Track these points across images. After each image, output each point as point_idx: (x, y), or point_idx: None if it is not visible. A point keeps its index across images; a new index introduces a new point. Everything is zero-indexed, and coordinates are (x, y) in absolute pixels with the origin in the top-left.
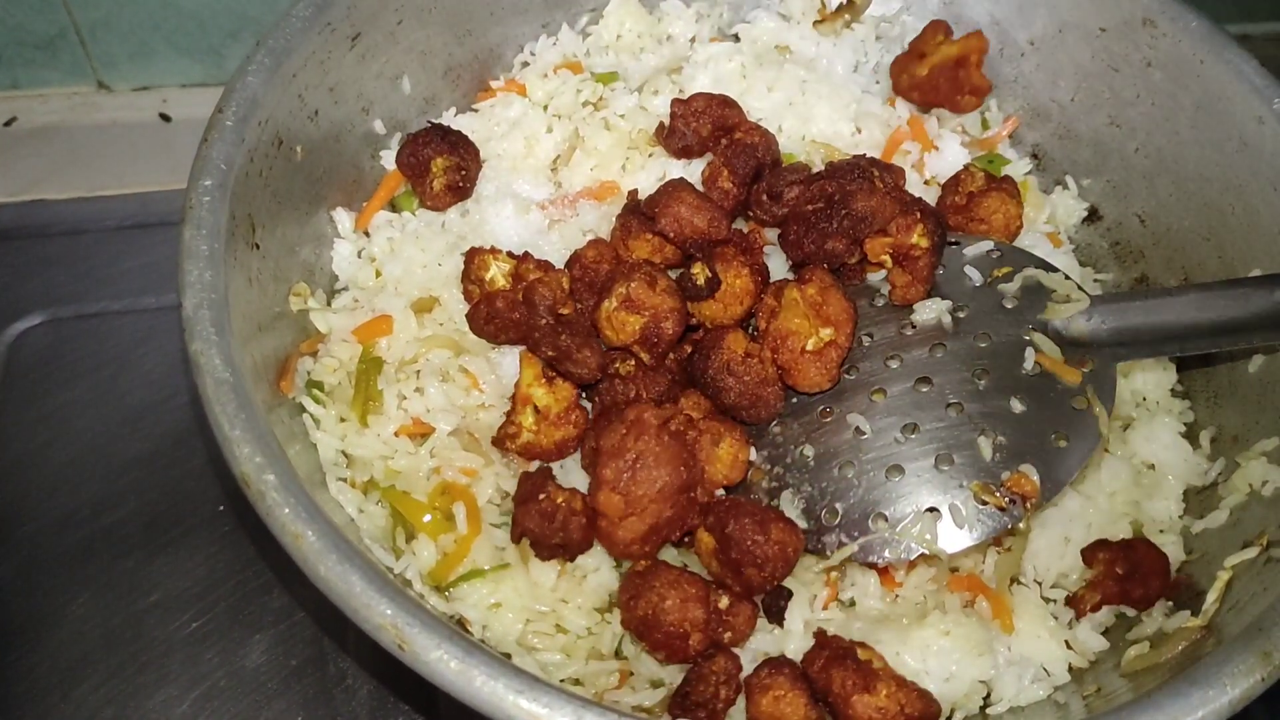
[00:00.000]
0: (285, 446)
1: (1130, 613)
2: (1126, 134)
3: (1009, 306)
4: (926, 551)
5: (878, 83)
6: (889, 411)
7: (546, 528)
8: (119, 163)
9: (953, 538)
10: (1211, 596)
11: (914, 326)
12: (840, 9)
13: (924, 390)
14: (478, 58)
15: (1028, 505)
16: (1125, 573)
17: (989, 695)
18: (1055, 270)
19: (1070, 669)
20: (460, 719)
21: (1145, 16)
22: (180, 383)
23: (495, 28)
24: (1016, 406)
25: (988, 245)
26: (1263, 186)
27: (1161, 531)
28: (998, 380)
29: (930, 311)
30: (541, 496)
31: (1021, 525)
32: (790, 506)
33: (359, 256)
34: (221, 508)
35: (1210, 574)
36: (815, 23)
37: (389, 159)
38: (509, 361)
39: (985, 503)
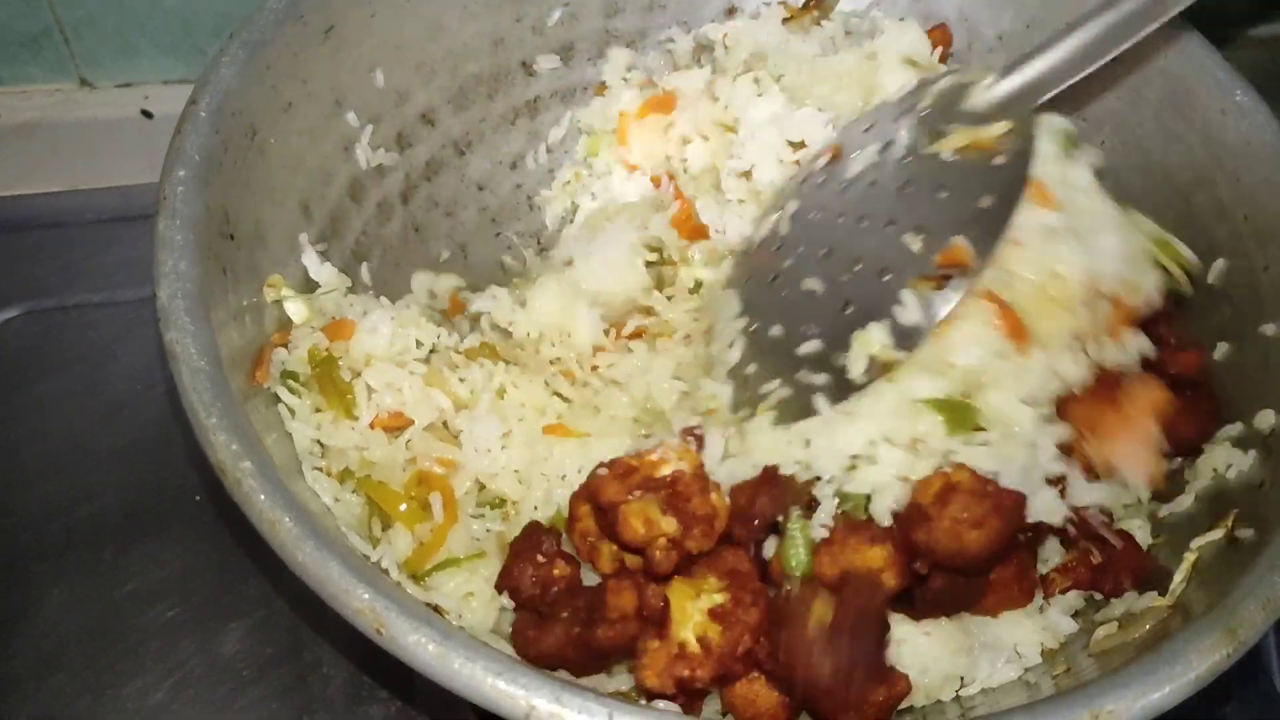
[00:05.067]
0: (261, 435)
1: (1099, 596)
2: (1094, 127)
3: (923, 114)
4: (888, 358)
5: None
6: (837, 262)
7: (536, 596)
8: (101, 158)
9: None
10: (1178, 577)
11: (847, 180)
12: (808, 6)
13: (864, 225)
14: (451, 52)
15: (967, 273)
16: (1100, 563)
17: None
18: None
19: (1041, 650)
20: (435, 703)
21: None
22: (159, 375)
23: (468, 21)
24: (942, 195)
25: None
26: (1226, 178)
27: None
28: (923, 184)
29: (859, 163)
30: (540, 559)
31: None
32: (772, 398)
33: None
34: (199, 498)
35: (1177, 556)
36: (784, 20)
37: (361, 153)
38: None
39: (925, 291)
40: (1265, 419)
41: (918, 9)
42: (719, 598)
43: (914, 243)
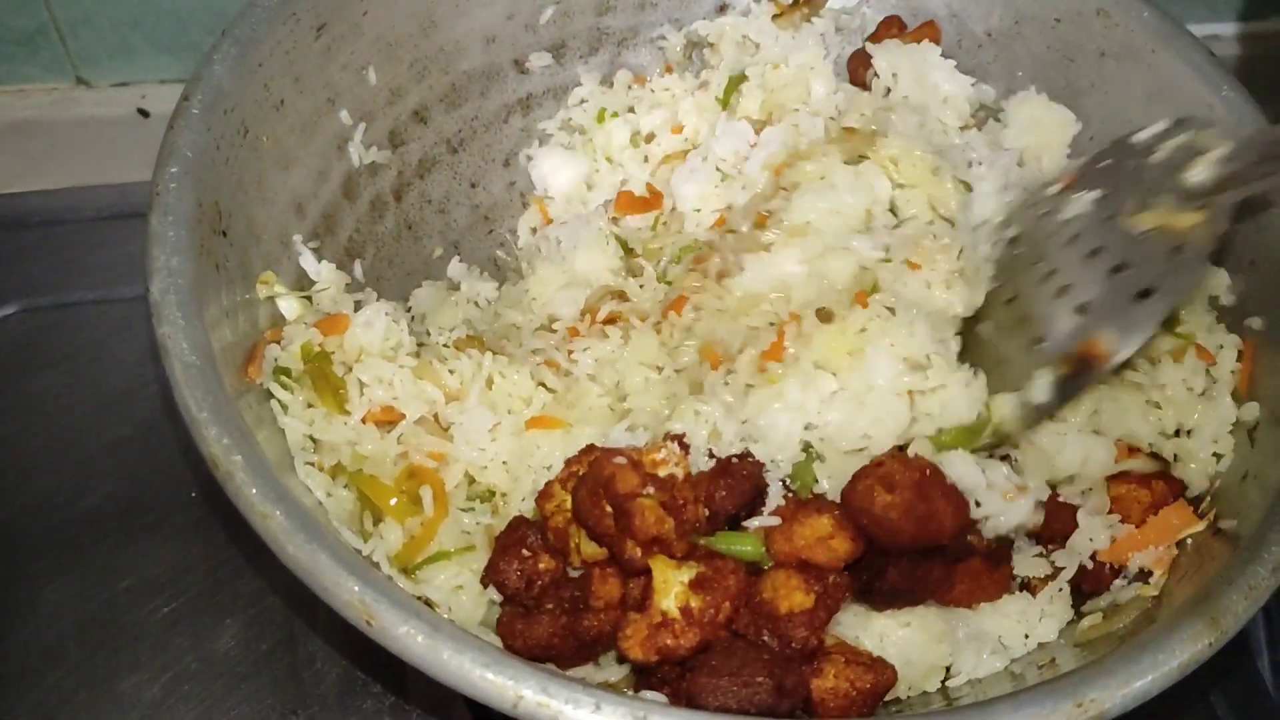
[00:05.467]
0: (254, 430)
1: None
2: (1082, 122)
3: (1149, 170)
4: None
5: (838, 75)
6: (1015, 306)
7: (522, 590)
8: (98, 157)
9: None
10: (1160, 569)
11: (1059, 221)
12: (798, 3)
13: (1050, 280)
14: (443, 49)
15: (1095, 369)
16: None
17: (948, 669)
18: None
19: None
20: (429, 696)
21: (1099, 7)
22: (154, 372)
23: (460, 19)
24: (1120, 274)
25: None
26: None
27: None
28: (1109, 255)
29: (1075, 207)
30: (525, 553)
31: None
32: None
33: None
34: (194, 494)
35: None
36: (774, 17)
37: (354, 150)
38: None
39: (1059, 374)
40: (1250, 411)
41: (906, 6)
42: (700, 567)
43: (1069, 319)
